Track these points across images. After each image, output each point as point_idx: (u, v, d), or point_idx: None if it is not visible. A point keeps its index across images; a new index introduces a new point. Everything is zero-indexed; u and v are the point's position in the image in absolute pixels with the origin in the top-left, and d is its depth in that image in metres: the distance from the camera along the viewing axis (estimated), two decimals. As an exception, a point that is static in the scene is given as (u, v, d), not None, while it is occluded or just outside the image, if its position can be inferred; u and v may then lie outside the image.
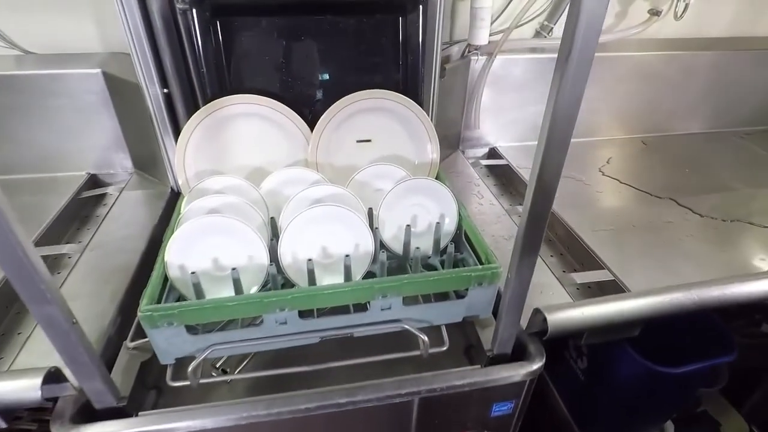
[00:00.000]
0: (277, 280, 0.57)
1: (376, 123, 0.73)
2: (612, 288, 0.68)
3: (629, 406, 0.84)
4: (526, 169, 0.99)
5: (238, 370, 0.58)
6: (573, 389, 0.93)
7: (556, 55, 1.05)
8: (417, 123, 0.73)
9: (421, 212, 0.67)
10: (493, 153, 1.07)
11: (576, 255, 0.77)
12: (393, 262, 0.67)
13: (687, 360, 0.75)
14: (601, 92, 1.08)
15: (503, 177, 1.01)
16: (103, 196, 0.89)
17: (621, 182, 0.94)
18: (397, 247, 0.65)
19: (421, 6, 0.70)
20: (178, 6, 0.67)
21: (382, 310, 0.55)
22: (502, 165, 1.02)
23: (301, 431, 0.54)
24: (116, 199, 0.86)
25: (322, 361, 0.55)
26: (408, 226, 0.63)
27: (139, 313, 0.48)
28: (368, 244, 0.60)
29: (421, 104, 0.76)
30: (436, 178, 0.75)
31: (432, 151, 0.75)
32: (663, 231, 0.81)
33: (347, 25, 0.70)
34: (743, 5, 1.07)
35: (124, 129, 0.88)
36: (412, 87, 0.75)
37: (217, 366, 0.58)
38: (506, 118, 1.05)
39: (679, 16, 0.98)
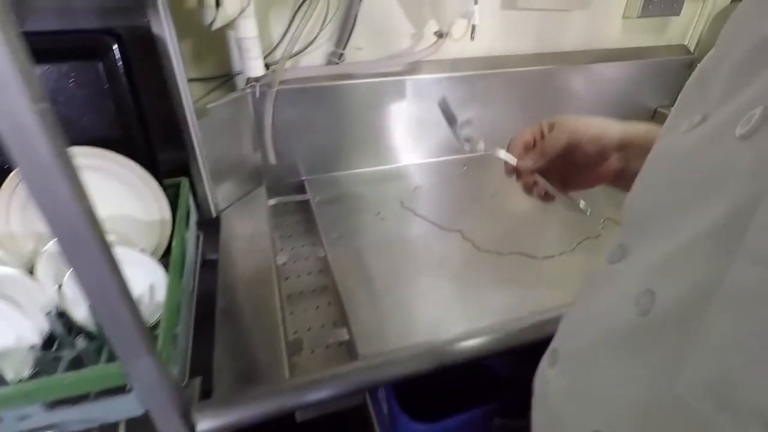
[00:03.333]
0: None
1: (90, 183, 0.65)
2: (343, 352, 0.63)
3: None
4: (327, 204, 0.94)
5: None
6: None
7: (351, 81, 0.98)
8: (137, 181, 0.66)
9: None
10: (300, 186, 1.01)
11: (337, 307, 0.73)
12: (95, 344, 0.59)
13: (454, 412, 0.72)
14: (424, 113, 1.04)
15: (304, 213, 0.95)
16: None
17: (416, 214, 0.91)
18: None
19: (115, 48, 0.62)
20: None
21: (20, 420, 0.48)
22: (304, 201, 0.96)
23: None
24: None
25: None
26: (91, 306, 0.56)
27: None
28: (28, 337, 0.52)
29: (149, 156, 0.68)
30: (171, 238, 0.68)
31: (161, 209, 0.68)
32: (434, 271, 0.77)
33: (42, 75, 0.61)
34: (545, 23, 1.06)
35: None
36: (137, 138, 0.68)
37: None
38: (312, 149, 0.99)
39: (471, 37, 0.95)
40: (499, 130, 1.12)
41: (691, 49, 1.23)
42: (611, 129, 0.46)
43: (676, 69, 1.22)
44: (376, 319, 0.67)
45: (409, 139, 1.06)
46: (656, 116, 1.26)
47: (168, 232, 0.69)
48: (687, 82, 0.32)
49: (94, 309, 0.55)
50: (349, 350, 0.65)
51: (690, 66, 1.22)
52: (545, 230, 0.88)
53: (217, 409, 0.49)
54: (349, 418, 0.75)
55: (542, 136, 0.48)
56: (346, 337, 0.65)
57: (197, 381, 0.59)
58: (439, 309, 0.69)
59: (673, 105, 0.33)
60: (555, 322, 0.37)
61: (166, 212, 0.68)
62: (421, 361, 0.57)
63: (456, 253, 0.81)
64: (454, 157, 1.11)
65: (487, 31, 1.01)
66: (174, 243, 0.66)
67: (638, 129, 0.46)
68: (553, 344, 0.38)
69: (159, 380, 0.43)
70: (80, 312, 0.58)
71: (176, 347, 0.57)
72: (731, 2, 1.16)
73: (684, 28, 1.22)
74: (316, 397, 0.53)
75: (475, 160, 1.11)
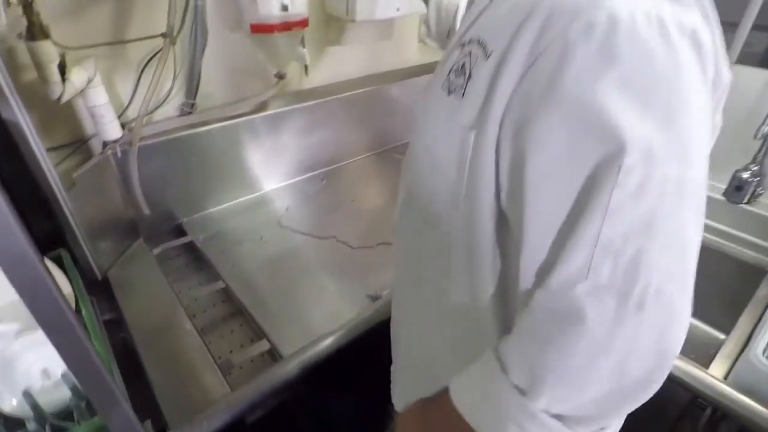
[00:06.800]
0: None
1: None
2: (267, 360, 0.77)
3: None
4: (212, 240, 1.02)
5: None
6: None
7: (207, 127, 1.07)
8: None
9: (52, 365, 0.63)
10: (179, 230, 1.06)
11: (250, 326, 0.85)
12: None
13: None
14: (277, 143, 1.17)
15: (190, 253, 1.02)
16: None
17: (293, 230, 1.06)
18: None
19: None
20: None
21: None
22: (186, 243, 1.03)
23: None
24: None
25: None
26: (25, 392, 0.59)
27: None
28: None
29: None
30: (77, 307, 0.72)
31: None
32: (321, 275, 0.94)
33: None
34: (365, 53, 1.29)
35: None
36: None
37: None
38: (182, 194, 1.06)
39: (305, 73, 1.13)
40: (344, 144, 1.33)
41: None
42: None
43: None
44: (287, 325, 0.82)
45: (269, 167, 1.19)
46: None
47: (71, 305, 0.72)
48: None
49: (29, 396, 0.59)
50: (272, 357, 0.78)
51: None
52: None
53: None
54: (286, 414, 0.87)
55: None
56: (268, 346, 0.78)
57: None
58: (332, 302, 0.87)
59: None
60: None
61: (66, 286, 0.71)
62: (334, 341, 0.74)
63: (335, 256, 0.99)
64: (311, 174, 1.28)
65: (320, 64, 1.19)
66: (83, 311, 0.70)
67: None
68: None
69: (135, 424, 0.52)
70: (9, 403, 0.60)
71: (122, 400, 0.63)
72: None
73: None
74: (261, 397, 0.66)
75: (332, 172, 1.30)
